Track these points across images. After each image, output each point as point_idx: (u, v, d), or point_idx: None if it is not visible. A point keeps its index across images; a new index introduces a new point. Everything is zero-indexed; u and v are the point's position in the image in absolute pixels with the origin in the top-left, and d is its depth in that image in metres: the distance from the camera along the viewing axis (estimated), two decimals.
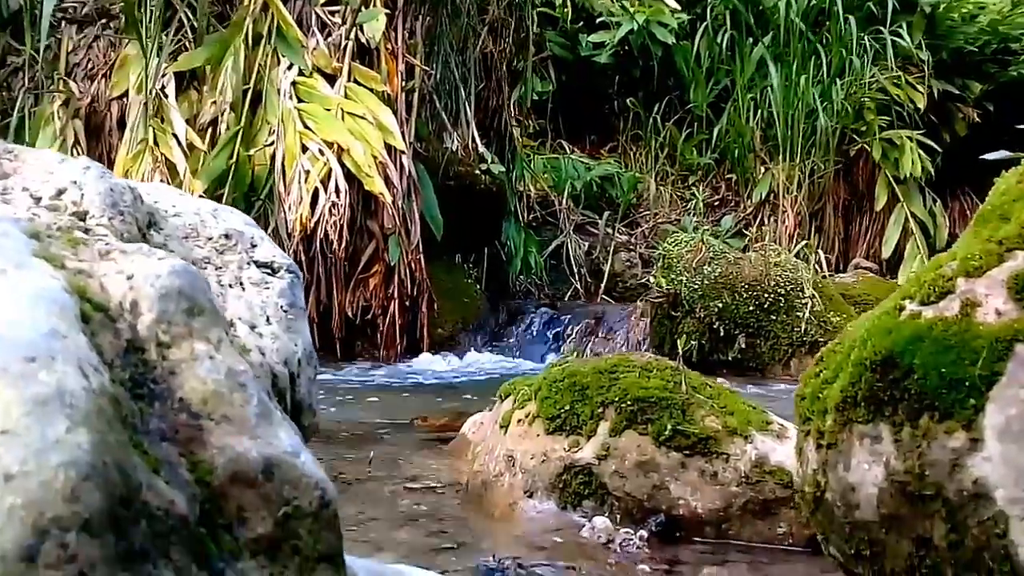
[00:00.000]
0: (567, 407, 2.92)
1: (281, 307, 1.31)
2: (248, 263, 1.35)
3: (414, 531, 2.80)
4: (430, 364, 6.35)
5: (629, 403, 2.85)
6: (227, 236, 1.34)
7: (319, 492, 0.93)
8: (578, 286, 8.64)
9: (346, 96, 6.61)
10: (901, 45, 9.48)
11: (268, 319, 1.29)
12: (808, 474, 1.60)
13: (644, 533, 2.77)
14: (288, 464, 0.92)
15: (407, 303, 6.86)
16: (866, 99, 9.57)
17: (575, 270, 8.81)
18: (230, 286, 1.29)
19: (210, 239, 1.33)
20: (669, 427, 2.81)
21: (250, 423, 0.91)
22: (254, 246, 1.37)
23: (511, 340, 7.06)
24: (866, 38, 9.38)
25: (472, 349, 6.86)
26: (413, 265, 6.93)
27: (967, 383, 1.37)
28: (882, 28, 9.26)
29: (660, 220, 9.29)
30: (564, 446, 2.91)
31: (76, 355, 0.76)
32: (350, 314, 6.77)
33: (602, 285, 8.65)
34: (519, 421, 3.05)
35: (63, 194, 1.12)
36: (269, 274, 1.35)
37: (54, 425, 0.68)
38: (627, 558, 2.68)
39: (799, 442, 1.66)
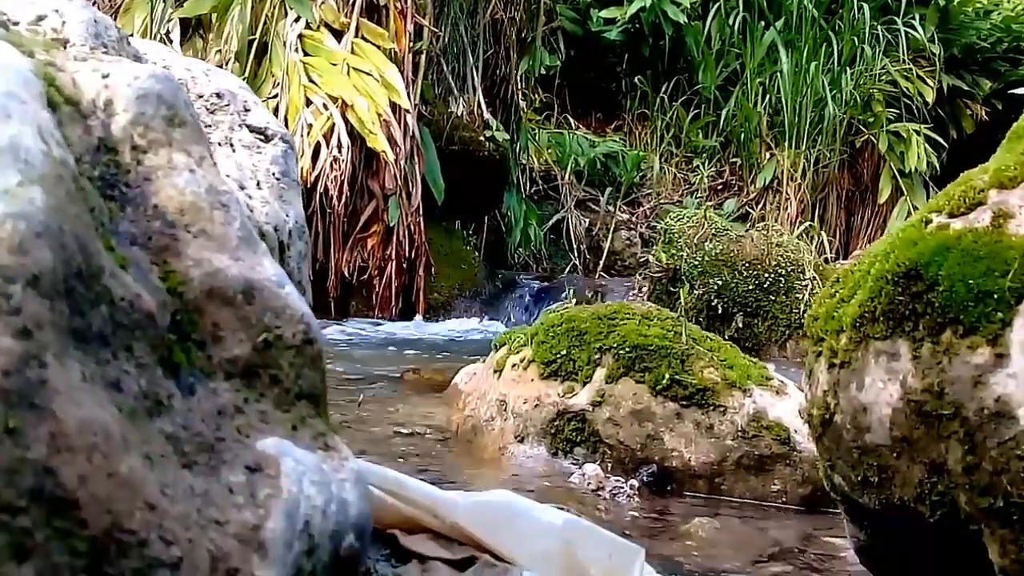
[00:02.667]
0: (563, 352, 2.85)
1: (273, 174, 1.23)
2: (240, 125, 1.27)
3: (402, 471, 2.72)
4: (424, 326, 6.28)
5: (627, 350, 2.78)
6: (219, 95, 1.26)
7: (303, 327, 0.85)
8: (577, 261, 8.56)
9: (353, 52, 6.52)
10: (914, 37, 9.38)
11: (259, 184, 1.21)
12: (817, 396, 1.52)
13: (635, 483, 2.70)
14: (271, 292, 0.84)
15: (404, 265, 6.78)
16: (875, 90, 9.47)
17: (574, 246, 8.73)
18: (219, 145, 1.21)
19: (200, 96, 1.25)
20: (667, 376, 2.73)
21: (231, 243, 0.83)
22: (247, 110, 1.29)
23: (507, 308, 6.98)
24: (879, 28, 9.28)
25: (467, 315, 6.79)
26: (412, 228, 6.85)
27: (995, 296, 1.30)
28: (896, 18, 9.17)
29: (662, 200, 9.21)
30: (558, 392, 2.83)
31: (36, 122, 0.68)
32: (346, 273, 6.69)
33: (601, 262, 8.57)
34: (513, 366, 2.98)
35: (43, 20, 1.03)
36: (262, 140, 1.27)
37: (5, 175, 0.60)
38: (617, 506, 2.61)
39: (809, 364, 1.58)
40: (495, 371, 3.05)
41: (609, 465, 2.74)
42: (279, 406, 0.80)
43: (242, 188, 1.17)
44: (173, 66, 1.24)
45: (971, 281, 1.32)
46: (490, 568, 1.21)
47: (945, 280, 1.33)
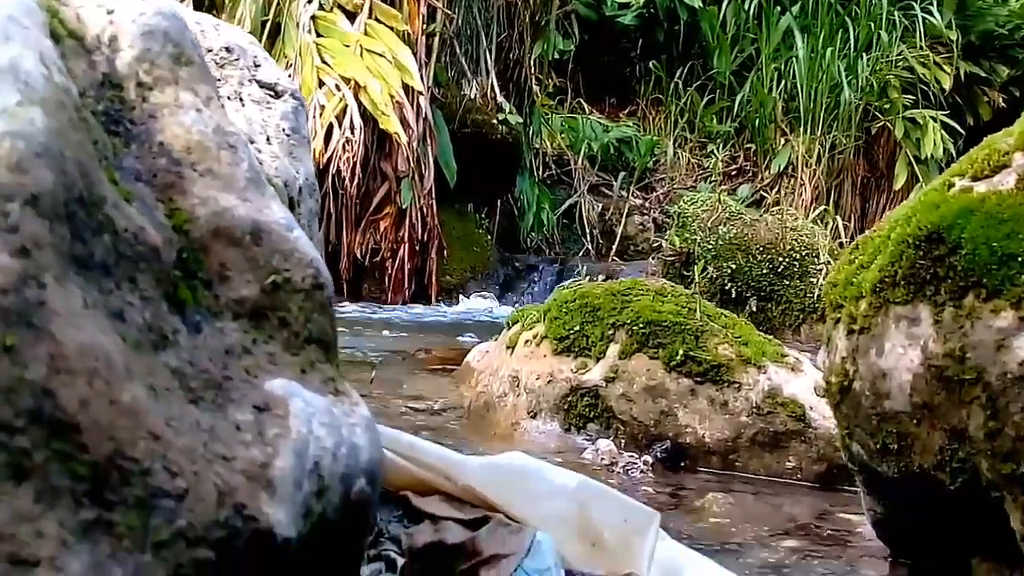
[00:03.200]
0: (577, 328, 2.82)
1: (283, 130, 1.21)
2: (250, 80, 1.25)
3: None
4: (436, 308, 6.27)
5: (641, 326, 2.75)
6: (228, 50, 1.24)
7: (312, 271, 0.83)
8: (589, 246, 8.53)
9: (366, 33, 6.49)
10: (931, 23, 9.30)
11: (269, 139, 1.19)
12: (836, 363, 1.50)
13: (648, 459, 2.68)
14: (280, 235, 0.82)
15: (417, 248, 6.77)
16: (891, 76, 9.39)
17: (587, 230, 8.70)
18: (228, 99, 1.19)
19: (210, 51, 1.23)
20: (681, 352, 2.71)
21: (238, 183, 0.81)
22: (257, 65, 1.27)
23: (520, 291, 6.96)
24: (896, 14, 9.20)
25: (480, 297, 6.78)
26: (425, 210, 6.83)
27: (1020, 259, 1.27)
28: (913, 4, 9.08)
29: (676, 186, 9.16)
30: (571, 367, 2.81)
31: (38, 48, 0.66)
32: (359, 255, 6.68)
33: (614, 246, 8.54)
34: (526, 342, 2.96)
35: None
36: (272, 96, 1.25)
37: (4, 94, 0.58)
38: (630, 482, 2.58)
39: (827, 330, 1.55)
40: (508, 347, 3.03)
41: (622, 441, 2.72)
42: (288, 349, 0.78)
43: (251, 143, 1.15)
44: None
45: (995, 244, 1.29)
46: (503, 527, 1.19)
47: (968, 243, 1.31)
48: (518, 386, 2.90)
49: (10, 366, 0.51)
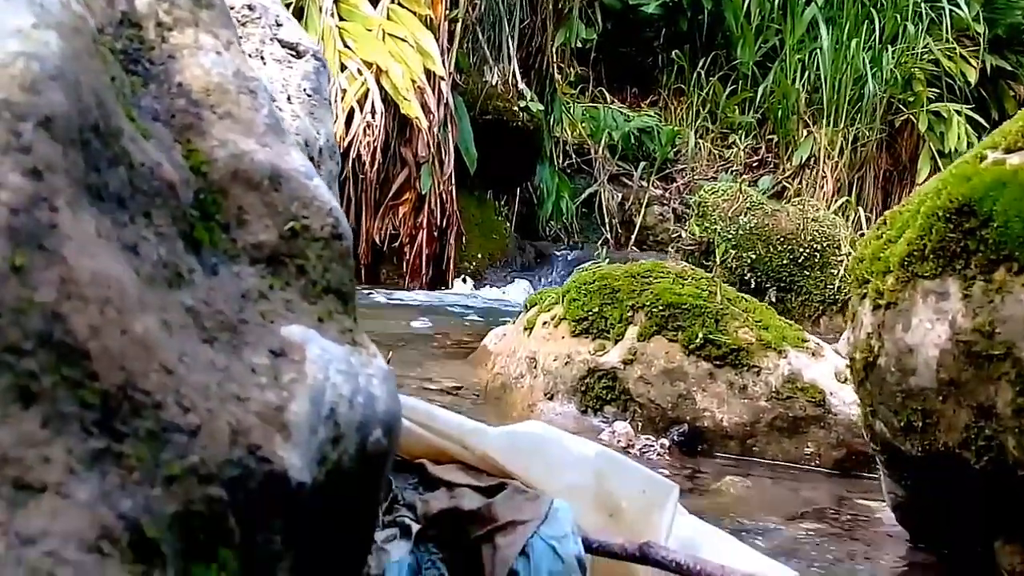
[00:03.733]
0: (595, 309, 2.80)
1: (304, 90, 1.19)
2: (271, 39, 1.23)
3: None
4: (454, 294, 6.27)
5: (660, 308, 2.73)
6: (250, 7, 1.22)
7: (331, 220, 0.82)
8: (608, 235, 8.50)
9: (388, 18, 6.47)
10: (958, 16, 9.20)
11: (289, 98, 1.17)
12: (861, 339, 1.47)
13: (665, 442, 2.66)
14: (299, 182, 0.80)
15: (435, 234, 6.76)
16: (916, 69, 9.31)
17: (606, 220, 8.67)
18: (249, 56, 1.17)
19: (232, 8, 1.21)
20: (700, 335, 2.69)
21: (257, 128, 0.80)
22: (279, 24, 1.25)
23: (538, 278, 6.94)
24: (922, 6, 9.11)
25: (497, 285, 6.77)
26: (444, 196, 6.82)
27: None
28: None
29: (697, 176, 9.11)
30: (589, 349, 2.80)
31: None
32: (377, 240, 6.67)
33: (632, 236, 8.50)
34: (544, 323, 2.94)
35: None
36: (293, 56, 1.23)
37: (19, 15, 0.57)
38: (646, 464, 2.56)
39: (852, 307, 1.53)
40: (525, 329, 3.02)
41: (639, 424, 2.70)
42: (305, 297, 0.76)
43: (272, 101, 1.13)
44: None
45: None
46: (520, 494, 1.18)
47: (1000, 216, 1.28)
48: (535, 367, 2.88)
49: (19, 287, 0.49)
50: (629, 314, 2.75)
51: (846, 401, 2.64)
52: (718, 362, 2.67)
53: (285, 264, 0.76)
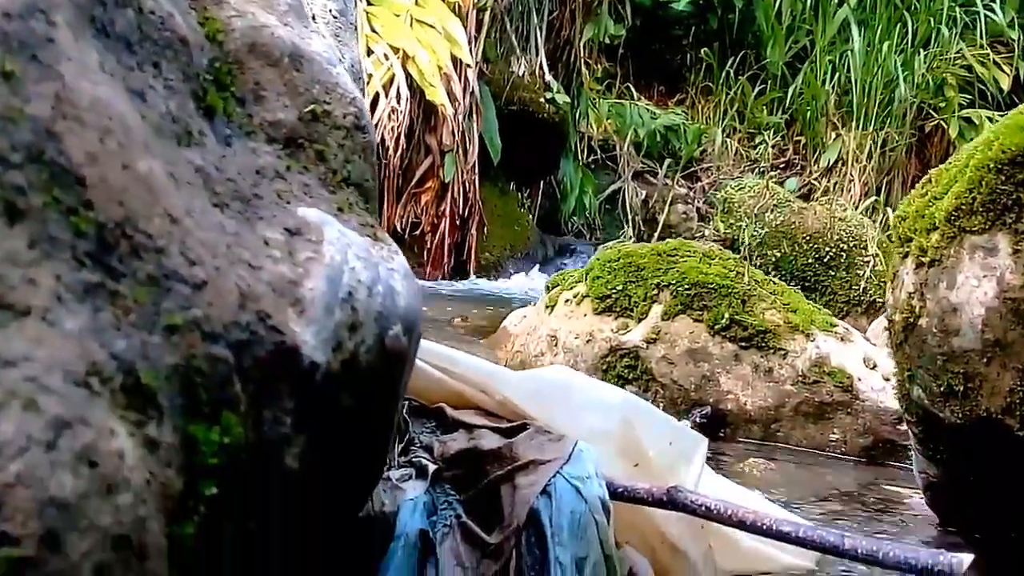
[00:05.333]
0: (619, 287, 2.75)
1: (330, 11, 1.15)
2: None
3: None
4: (475, 282, 6.23)
5: (686, 287, 2.67)
6: None
7: (355, 110, 0.77)
8: (631, 232, 8.43)
9: (416, 3, 6.44)
10: (992, 21, 9.09)
11: (314, 17, 1.12)
12: (901, 299, 1.41)
13: (688, 424, 2.60)
14: (321, 66, 0.75)
15: (458, 223, 6.72)
16: (948, 74, 9.19)
17: (629, 217, 8.60)
18: None
19: None
20: (726, 316, 2.63)
21: (279, 6, 0.75)
22: None
23: (560, 269, 6.89)
24: (957, 10, 9.00)
25: (519, 275, 6.72)
26: (467, 185, 6.78)
27: None
28: (975, 0, 8.88)
29: (722, 176, 9.04)
30: (612, 327, 2.74)
31: None
32: (399, 228, 6.64)
33: (656, 234, 8.42)
34: (566, 301, 2.88)
35: None
36: None
37: None
38: None
39: (894, 266, 1.47)
40: (547, 307, 2.96)
41: (661, 404, 2.63)
42: (325, 184, 0.71)
43: None
44: None
45: None
46: (542, 434, 1.12)
47: None
48: (556, 345, 2.83)
49: (8, 94, 0.44)
50: (654, 292, 2.70)
51: (874, 387, 2.58)
52: (743, 344, 2.61)
53: (304, 148, 0.71)
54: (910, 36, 8.96)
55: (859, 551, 0.92)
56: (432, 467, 1.12)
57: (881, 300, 5.46)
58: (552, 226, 7.85)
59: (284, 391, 0.58)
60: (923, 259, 1.35)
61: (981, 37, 8.93)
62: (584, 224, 8.34)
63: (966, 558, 0.88)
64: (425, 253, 6.62)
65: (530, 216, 7.43)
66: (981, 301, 1.28)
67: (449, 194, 6.59)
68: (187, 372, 0.51)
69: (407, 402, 1.25)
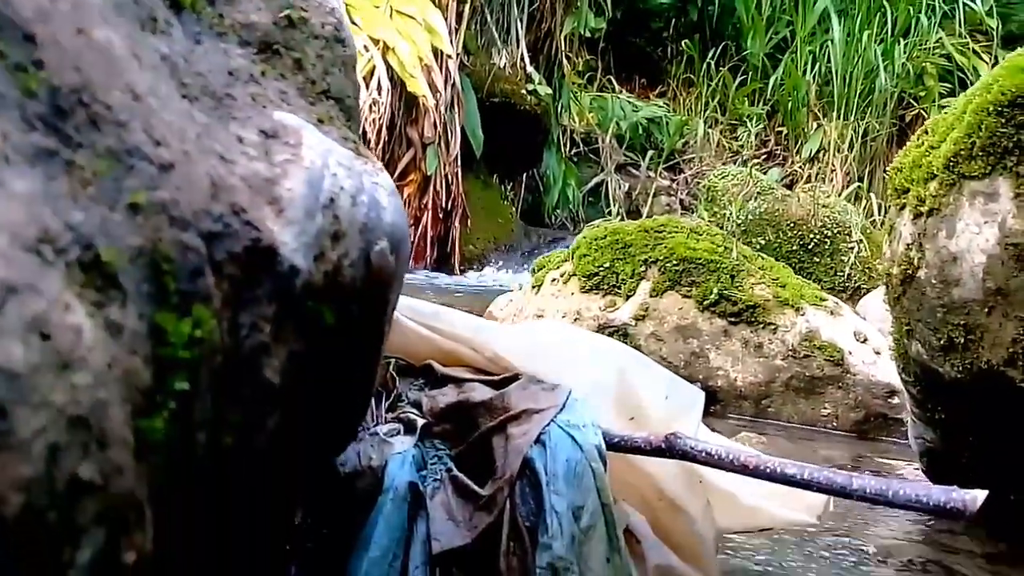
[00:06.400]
0: (607, 265, 2.71)
1: None
2: None
3: None
4: (458, 275, 6.19)
5: (674, 263, 2.63)
6: None
7: (334, 20, 0.72)
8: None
9: None
10: (971, 10, 9.12)
11: None
12: (899, 251, 1.38)
13: None
14: None
15: (440, 215, 6.67)
16: (928, 63, 9.21)
17: (613, 209, 8.57)
18: None
19: None
20: (715, 291, 2.59)
21: None
22: None
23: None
24: None
25: (502, 268, 6.68)
26: (450, 178, 6.74)
27: None
28: None
29: (704, 167, 9.02)
30: (600, 305, 2.70)
31: None
32: None
33: None
34: (553, 281, 2.84)
35: None
36: None
37: None
38: None
39: (890, 219, 1.43)
40: (533, 287, 2.92)
41: None
42: (303, 95, 0.67)
43: None
44: None
45: None
46: (535, 383, 1.08)
47: None
48: None
49: None
50: (642, 269, 2.66)
51: (865, 361, 2.55)
52: (733, 319, 2.58)
53: (280, 54, 0.67)
54: (890, 25, 8.97)
55: (868, 491, 0.88)
56: (421, 422, 1.08)
57: (867, 287, 5.45)
58: (536, 219, 7.82)
59: (263, 295, 0.54)
60: (921, 209, 1.32)
61: (960, 26, 8.95)
62: (568, 217, 8.31)
63: (980, 494, 0.85)
64: (409, 246, 6.57)
65: (513, 209, 7.39)
66: (982, 248, 1.24)
67: (432, 187, 6.54)
68: (153, 257, 0.46)
69: (394, 360, 1.21)
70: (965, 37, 9.06)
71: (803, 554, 1.58)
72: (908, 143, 1.44)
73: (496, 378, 1.11)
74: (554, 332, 1.20)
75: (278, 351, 0.56)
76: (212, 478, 0.52)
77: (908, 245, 1.35)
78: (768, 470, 0.95)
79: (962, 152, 1.26)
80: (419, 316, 1.25)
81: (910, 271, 1.35)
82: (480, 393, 1.08)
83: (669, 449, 1.01)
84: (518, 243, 7.19)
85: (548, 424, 1.00)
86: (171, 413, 0.46)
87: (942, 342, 1.34)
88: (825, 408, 2.56)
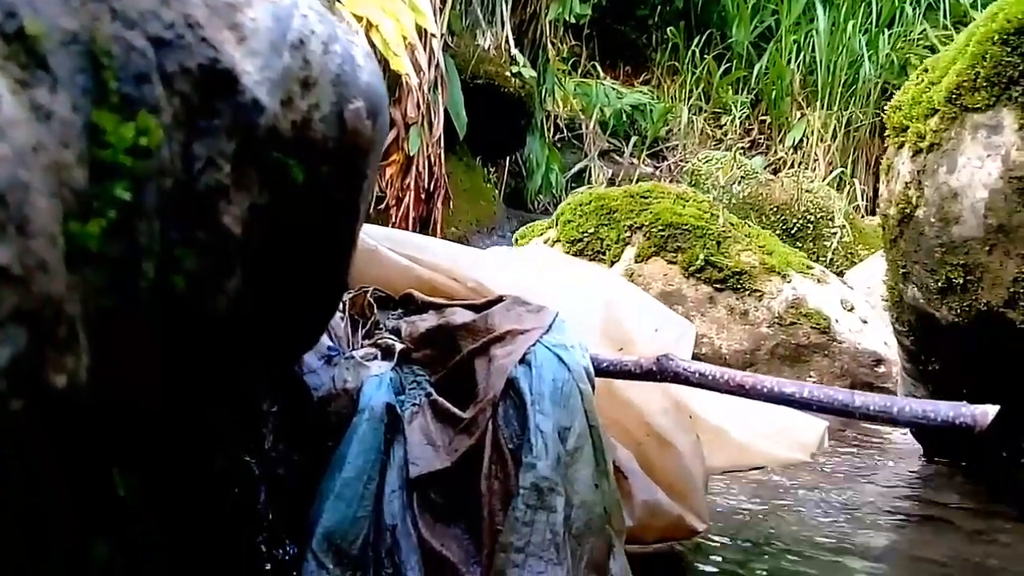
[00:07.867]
0: (591, 231, 2.66)
1: None
2: None
3: None
4: None
5: (660, 229, 2.59)
6: None
7: None
8: None
9: None
10: (955, 1, 9.12)
11: None
12: (897, 191, 1.33)
13: None
14: None
15: (422, 196, 6.61)
16: (912, 54, 9.20)
17: None
18: None
19: None
20: (701, 257, 2.54)
21: None
22: None
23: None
24: None
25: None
26: (432, 159, 6.67)
27: None
28: None
29: (688, 155, 8.99)
30: None
31: None
32: None
33: None
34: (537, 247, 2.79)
35: None
36: None
37: None
38: None
39: (887, 160, 1.38)
40: None
41: None
42: None
43: None
44: None
45: None
46: (520, 304, 1.02)
47: None
48: None
49: None
50: (627, 235, 2.61)
51: (852, 329, 2.51)
52: (719, 285, 2.53)
53: None
54: (874, 16, 8.96)
55: (871, 408, 0.83)
56: (400, 347, 1.02)
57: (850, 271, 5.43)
58: (518, 203, 7.76)
59: (220, 127, 0.48)
60: (920, 145, 1.27)
61: (944, 17, 8.95)
62: (550, 202, 8.26)
63: (991, 409, 0.80)
64: (390, 227, 6.50)
65: (496, 192, 7.33)
66: (984, 183, 1.19)
67: (414, 168, 6.47)
68: (91, 48, 0.41)
69: (372, 289, 1.15)
70: (949, 29, 9.05)
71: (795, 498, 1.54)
72: (906, 83, 1.40)
73: (479, 302, 1.06)
74: (539, 258, 1.15)
75: (238, 198, 0.51)
76: (165, 329, 0.46)
77: (907, 184, 1.31)
78: (765, 390, 0.90)
79: (965, 84, 1.21)
80: (399, 246, 1.20)
81: (908, 210, 1.30)
82: (462, 316, 1.03)
83: (660, 372, 0.96)
84: (500, 226, 7.14)
85: (534, 344, 0.95)
86: (110, 224, 0.40)
87: (940, 284, 1.29)
88: (811, 376, 2.52)
